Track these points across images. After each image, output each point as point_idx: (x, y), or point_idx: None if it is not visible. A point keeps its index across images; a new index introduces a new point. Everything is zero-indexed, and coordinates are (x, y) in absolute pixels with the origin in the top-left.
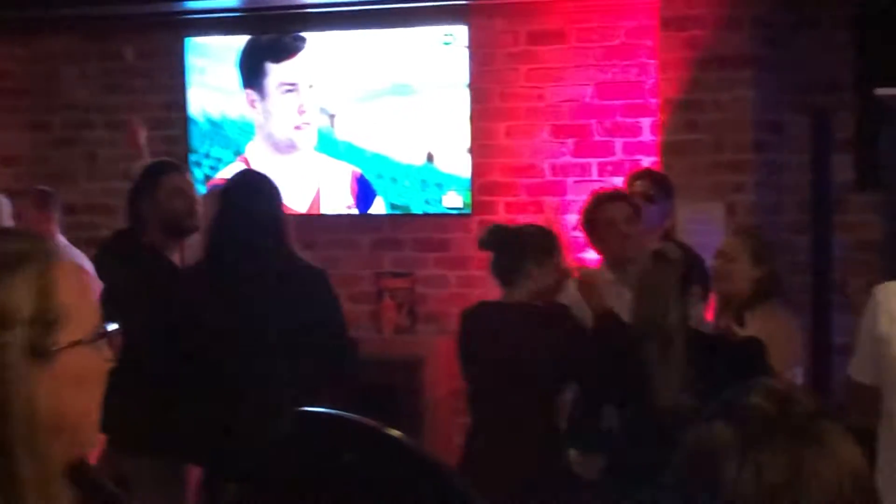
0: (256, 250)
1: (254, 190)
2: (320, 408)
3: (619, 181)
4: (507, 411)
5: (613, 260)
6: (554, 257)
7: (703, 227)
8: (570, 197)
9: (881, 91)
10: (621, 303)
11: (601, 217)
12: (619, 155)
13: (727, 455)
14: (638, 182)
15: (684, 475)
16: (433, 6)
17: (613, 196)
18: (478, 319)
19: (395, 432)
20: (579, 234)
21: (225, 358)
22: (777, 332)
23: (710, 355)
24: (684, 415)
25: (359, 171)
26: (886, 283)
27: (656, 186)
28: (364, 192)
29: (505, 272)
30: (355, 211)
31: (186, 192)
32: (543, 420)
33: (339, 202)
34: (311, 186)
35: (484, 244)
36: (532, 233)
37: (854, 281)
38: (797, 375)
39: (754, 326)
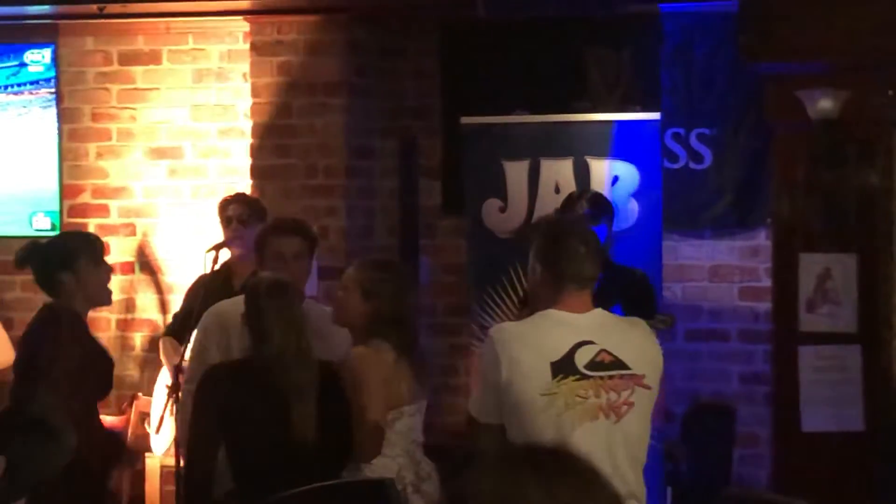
0: None
1: None
2: None
3: (213, 205)
4: None
5: None
6: (92, 260)
7: None
8: (162, 219)
9: (466, 119)
10: None
11: (269, 249)
12: (212, 178)
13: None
14: (231, 207)
15: None
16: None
17: (286, 228)
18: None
19: None
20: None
21: None
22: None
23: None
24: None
25: None
26: (502, 326)
27: (249, 210)
28: None
29: (43, 285)
30: None
31: None
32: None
33: None
34: None
35: (19, 261)
36: (62, 241)
37: (440, 302)
38: (405, 414)
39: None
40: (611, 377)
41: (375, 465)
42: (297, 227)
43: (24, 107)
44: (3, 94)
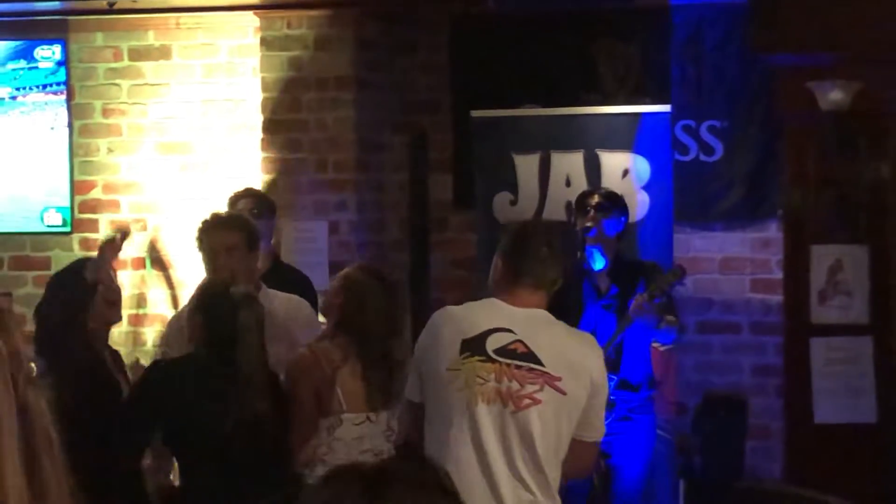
0: None
1: None
2: None
3: (223, 200)
4: None
5: None
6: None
7: (308, 245)
8: (173, 214)
9: (476, 113)
10: None
11: (206, 245)
12: (223, 172)
13: None
14: (241, 202)
15: None
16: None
17: (218, 224)
18: None
19: None
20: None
21: None
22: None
23: None
24: None
25: None
26: (445, 308)
27: (260, 205)
28: None
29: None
30: None
31: None
32: None
33: None
34: None
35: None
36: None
37: (450, 296)
38: (347, 422)
39: None
40: (518, 367)
41: (316, 471)
42: (228, 222)
43: (35, 103)
44: (17, 95)
